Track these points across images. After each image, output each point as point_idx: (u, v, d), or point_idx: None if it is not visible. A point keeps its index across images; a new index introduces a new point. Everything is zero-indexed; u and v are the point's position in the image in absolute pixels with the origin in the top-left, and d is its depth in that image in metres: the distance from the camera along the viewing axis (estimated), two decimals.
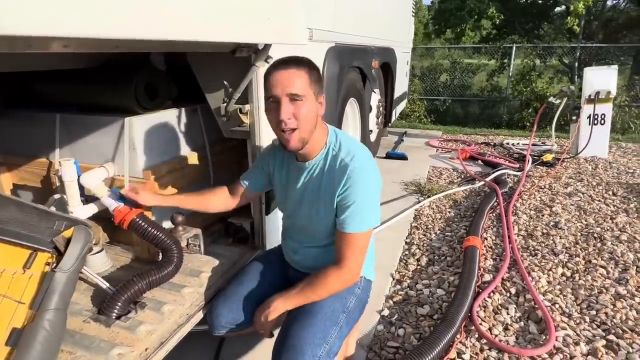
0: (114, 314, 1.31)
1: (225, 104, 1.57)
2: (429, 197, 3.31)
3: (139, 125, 1.55)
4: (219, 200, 1.50)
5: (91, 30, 0.68)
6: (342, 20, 2.51)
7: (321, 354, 1.15)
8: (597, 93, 4.40)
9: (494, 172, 3.87)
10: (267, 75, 1.16)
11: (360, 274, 1.29)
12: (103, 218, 1.59)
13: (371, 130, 3.80)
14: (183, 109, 1.76)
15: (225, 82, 1.53)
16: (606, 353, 1.58)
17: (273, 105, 1.15)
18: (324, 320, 1.21)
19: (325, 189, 1.23)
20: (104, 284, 1.42)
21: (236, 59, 1.45)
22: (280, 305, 1.23)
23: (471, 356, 1.57)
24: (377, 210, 1.24)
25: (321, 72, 1.27)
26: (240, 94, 1.51)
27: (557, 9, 10.68)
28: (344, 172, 1.18)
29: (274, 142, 1.44)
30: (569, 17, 8.15)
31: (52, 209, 1.35)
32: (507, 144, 5.24)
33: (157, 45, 1.05)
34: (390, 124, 4.78)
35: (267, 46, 1.40)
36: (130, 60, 1.74)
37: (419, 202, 3.22)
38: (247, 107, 1.56)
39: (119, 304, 1.32)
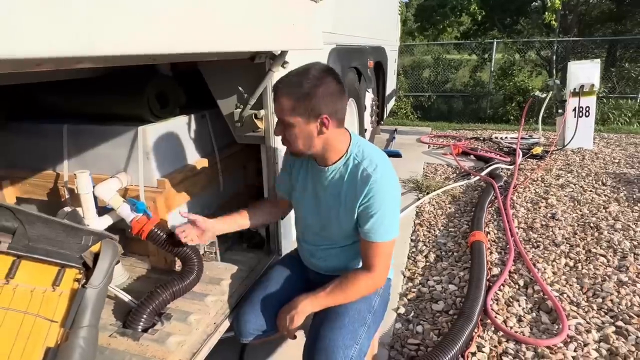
0: (140, 327, 1.29)
1: (239, 110, 1.56)
2: (427, 193, 3.36)
3: (152, 133, 1.53)
4: (268, 214, 1.52)
5: (136, 47, 0.67)
6: (341, 22, 2.52)
7: (352, 354, 1.16)
8: (582, 86, 4.54)
9: (487, 167, 3.95)
10: None
11: (386, 276, 1.31)
12: (115, 229, 1.56)
13: (366, 129, 3.83)
14: (192, 116, 1.75)
15: (240, 89, 1.53)
16: (617, 339, 1.64)
17: None
18: (352, 321, 1.22)
19: (346, 196, 1.24)
20: (126, 297, 1.40)
21: (250, 65, 1.44)
22: (307, 307, 1.23)
23: (491, 349, 1.61)
24: (397, 220, 1.25)
25: None
26: (255, 99, 1.50)
27: (534, 3, 10.97)
28: (367, 182, 1.18)
29: None
30: (546, 13, 8.37)
31: (65, 221, 1.32)
32: (496, 138, 5.35)
33: (183, 56, 1.03)
34: (382, 122, 4.83)
35: (283, 52, 1.40)
36: (137, 68, 1.71)
37: (419, 199, 3.26)
38: (261, 112, 1.56)
39: (145, 316, 1.31)
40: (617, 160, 4.23)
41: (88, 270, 1.11)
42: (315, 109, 1.12)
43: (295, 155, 1.24)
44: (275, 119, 1.55)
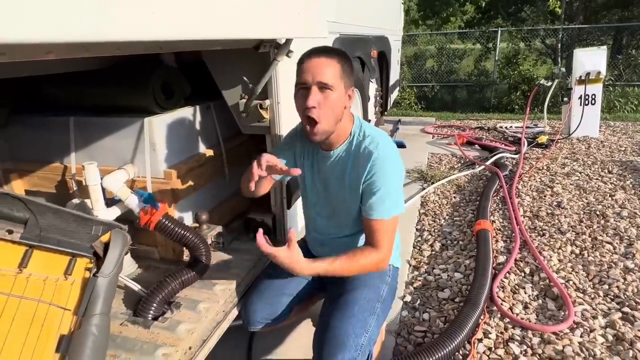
0: (150, 315, 1.31)
1: (244, 100, 1.57)
2: (432, 183, 3.36)
3: (158, 125, 1.54)
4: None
5: (143, 33, 0.67)
6: (345, 11, 2.50)
7: (363, 342, 1.17)
8: (588, 74, 4.49)
9: (492, 156, 3.94)
10: (300, 62, 1.17)
11: (390, 258, 1.28)
12: (123, 220, 1.57)
13: (369, 120, 3.82)
14: (197, 107, 1.75)
15: (245, 79, 1.52)
16: (623, 325, 1.65)
17: (302, 91, 1.16)
18: (362, 310, 1.23)
19: (350, 176, 1.25)
20: (135, 286, 1.42)
21: (255, 55, 1.44)
22: (305, 271, 1.18)
23: (497, 335, 1.62)
24: (401, 196, 1.25)
25: None
26: (260, 89, 1.50)
27: None
28: (369, 159, 1.19)
29: (297, 128, 1.44)
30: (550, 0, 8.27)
31: (75, 211, 1.33)
32: (501, 127, 5.32)
33: (190, 45, 1.04)
34: (386, 113, 4.81)
35: (288, 40, 1.39)
36: (142, 58, 1.71)
37: (424, 189, 3.26)
38: (267, 102, 1.56)
39: (155, 305, 1.33)
40: (623, 148, 4.20)
41: (99, 260, 1.13)
42: (350, 79, 1.19)
43: (315, 136, 1.19)
44: (282, 109, 1.57)
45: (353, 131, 1.27)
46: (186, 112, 1.68)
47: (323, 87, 1.13)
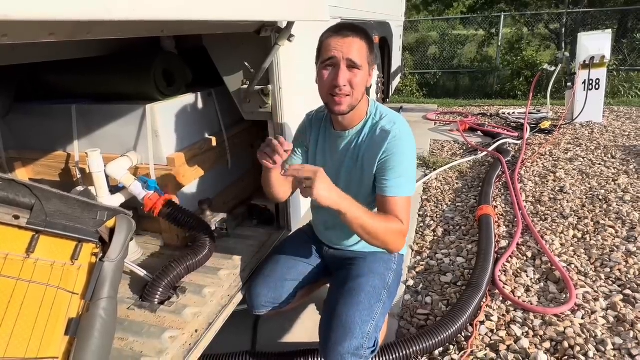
0: (157, 300, 1.33)
1: (246, 86, 1.56)
2: (435, 169, 3.36)
3: (160, 112, 1.53)
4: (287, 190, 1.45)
5: (147, 13, 0.67)
6: None
7: (369, 330, 1.18)
8: (592, 58, 4.44)
9: (495, 142, 3.92)
10: (326, 39, 1.16)
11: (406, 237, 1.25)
12: (127, 207, 1.58)
13: None
14: (199, 94, 1.74)
15: (246, 64, 1.52)
16: (624, 306, 1.66)
17: (329, 68, 1.15)
18: (368, 298, 1.23)
19: (365, 156, 1.25)
20: (141, 272, 1.44)
21: (256, 40, 1.43)
22: (330, 193, 1.06)
23: (499, 318, 1.64)
24: (414, 177, 1.26)
25: None
26: (262, 75, 1.49)
27: None
28: (386, 137, 1.20)
29: (308, 116, 1.44)
30: None
31: (80, 197, 1.34)
32: (504, 113, 5.29)
33: (191, 27, 1.03)
34: (388, 100, 4.78)
35: (289, 24, 1.38)
36: (141, 45, 1.70)
37: (426, 175, 3.26)
38: (269, 87, 1.55)
39: (161, 289, 1.34)
40: (627, 133, 4.17)
41: (104, 245, 1.14)
42: (373, 58, 1.20)
43: (341, 113, 1.19)
44: (283, 95, 1.56)
45: (369, 111, 1.27)
46: (188, 99, 1.68)
47: (352, 65, 1.13)
